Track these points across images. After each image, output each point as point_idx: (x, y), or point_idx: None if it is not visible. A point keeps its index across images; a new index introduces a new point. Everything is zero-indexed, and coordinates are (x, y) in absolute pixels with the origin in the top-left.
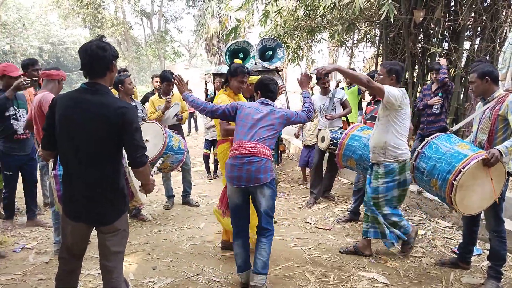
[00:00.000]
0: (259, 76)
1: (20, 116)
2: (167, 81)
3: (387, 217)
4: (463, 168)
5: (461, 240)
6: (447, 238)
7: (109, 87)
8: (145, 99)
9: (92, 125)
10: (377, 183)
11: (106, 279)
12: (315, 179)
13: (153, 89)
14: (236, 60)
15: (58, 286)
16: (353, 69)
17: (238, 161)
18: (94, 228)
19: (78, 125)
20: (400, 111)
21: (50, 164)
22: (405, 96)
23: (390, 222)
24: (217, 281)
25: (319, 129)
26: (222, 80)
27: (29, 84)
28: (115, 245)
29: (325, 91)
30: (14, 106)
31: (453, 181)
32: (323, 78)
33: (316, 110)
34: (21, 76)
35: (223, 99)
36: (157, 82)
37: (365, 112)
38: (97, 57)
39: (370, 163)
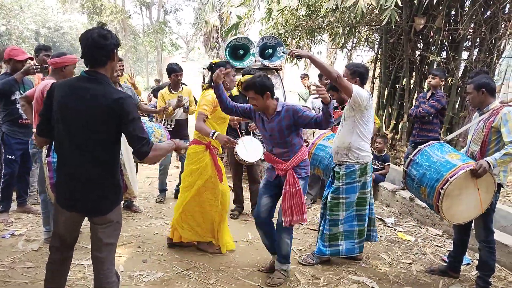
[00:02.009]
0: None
1: None
2: (174, 72)
3: (332, 224)
4: (451, 178)
5: (451, 249)
6: (437, 246)
7: (109, 76)
8: (158, 89)
9: (89, 114)
10: (338, 184)
11: (98, 270)
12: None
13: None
14: (214, 60)
15: (48, 275)
16: None
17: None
18: (86, 218)
19: (75, 112)
20: (365, 113)
21: (44, 151)
22: (371, 98)
23: (327, 234)
24: (207, 277)
25: None
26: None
27: (38, 69)
28: (107, 236)
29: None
30: (20, 91)
31: (440, 190)
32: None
33: (314, 109)
34: (28, 60)
35: None
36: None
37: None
38: (98, 46)
39: (333, 165)
